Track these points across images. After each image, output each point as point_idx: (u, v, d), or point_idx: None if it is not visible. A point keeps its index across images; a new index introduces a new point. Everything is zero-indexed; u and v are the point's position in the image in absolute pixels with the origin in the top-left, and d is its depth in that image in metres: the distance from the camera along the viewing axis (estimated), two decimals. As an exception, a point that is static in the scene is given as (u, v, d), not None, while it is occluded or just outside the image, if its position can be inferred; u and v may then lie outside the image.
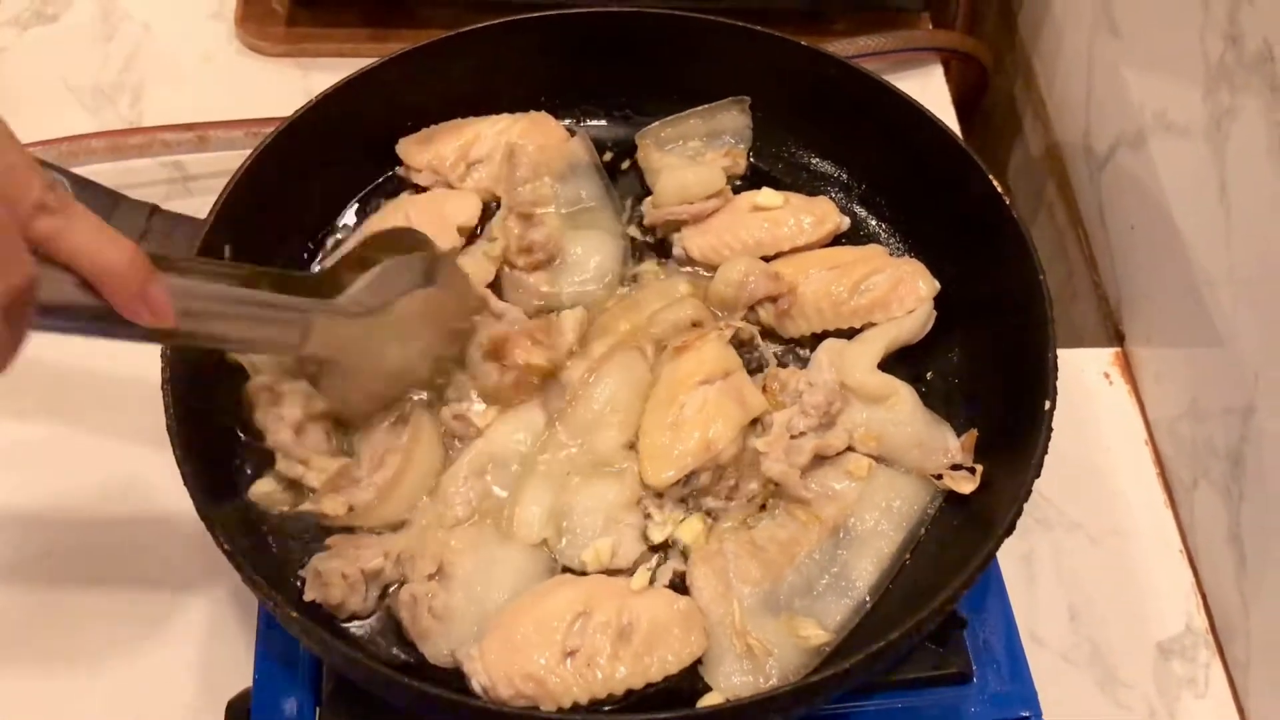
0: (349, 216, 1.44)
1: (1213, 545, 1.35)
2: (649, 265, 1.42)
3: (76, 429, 1.42)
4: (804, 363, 1.33)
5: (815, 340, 1.34)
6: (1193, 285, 1.37)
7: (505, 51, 1.46)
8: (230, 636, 1.28)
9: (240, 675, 1.20)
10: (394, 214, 1.40)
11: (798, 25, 1.74)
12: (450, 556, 1.17)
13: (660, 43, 1.47)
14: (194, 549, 1.29)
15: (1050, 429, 1.13)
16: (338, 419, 1.25)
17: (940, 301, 1.34)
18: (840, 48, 1.70)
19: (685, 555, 1.20)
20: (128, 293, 0.92)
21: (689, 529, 1.21)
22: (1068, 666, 1.32)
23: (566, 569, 1.19)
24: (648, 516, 1.22)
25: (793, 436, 1.23)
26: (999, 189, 1.29)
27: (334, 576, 1.13)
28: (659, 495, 1.22)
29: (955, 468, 1.24)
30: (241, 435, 1.24)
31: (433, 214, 1.40)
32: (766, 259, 1.38)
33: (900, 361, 1.32)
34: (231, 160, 1.43)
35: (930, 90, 1.77)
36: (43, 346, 1.41)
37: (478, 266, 1.36)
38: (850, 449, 1.25)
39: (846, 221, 1.42)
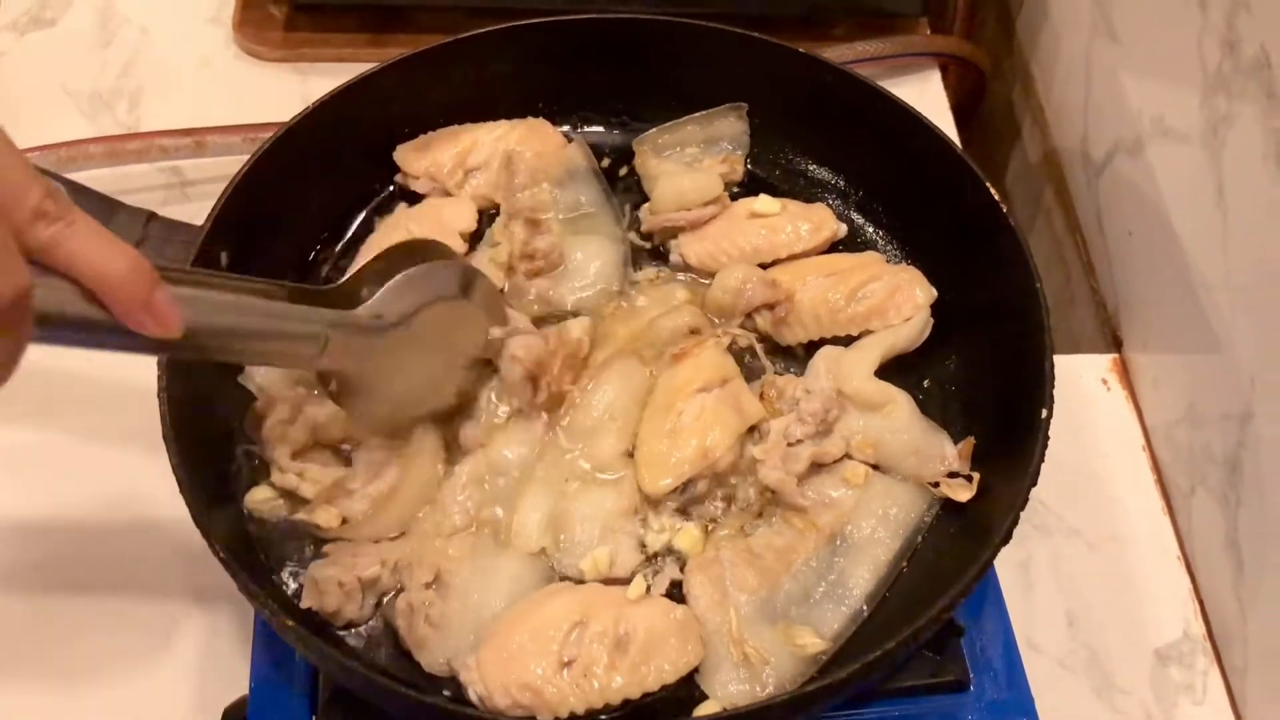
0: (347, 223, 1.44)
1: (1210, 551, 1.35)
2: (650, 271, 1.42)
3: (72, 435, 1.42)
4: (801, 370, 1.33)
5: (812, 347, 1.33)
6: (1190, 291, 1.36)
7: (503, 58, 1.46)
8: (227, 644, 1.28)
9: (237, 683, 1.20)
10: (393, 229, 1.40)
11: (795, 31, 1.74)
12: (447, 565, 1.17)
13: (658, 49, 1.47)
14: (190, 556, 1.28)
15: (1047, 437, 1.13)
16: (343, 443, 1.25)
17: (937, 309, 1.34)
18: (838, 53, 1.70)
19: (682, 563, 1.20)
20: (131, 302, 0.90)
21: (686, 537, 1.21)
22: (1065, 673, 1.32)
23: (564, 578, 1.19)
24: (645, 525, 1.22)
25: (790, 444, 1.23)
26: (996, 197, 1.29)
27: (330, 585, 1.13)
28: (656, 503, 1.22)
29: (952, 475, 1.23)
30: (243, 442, 1.25)
31: (433, 223, 1.40)
32: (764, 266, 1.38)
33: (897, 369, 1.31)
34: (229, 166, 1.43)
35: (928, 96, 1.77)
36: (38, 352, 1.43)
37: (485, 272, 1.35)
38: (847, 456, 1.25)
39: (844, 228, 1.42)
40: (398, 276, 1.11)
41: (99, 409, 1.43)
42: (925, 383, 1.33)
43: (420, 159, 1.45)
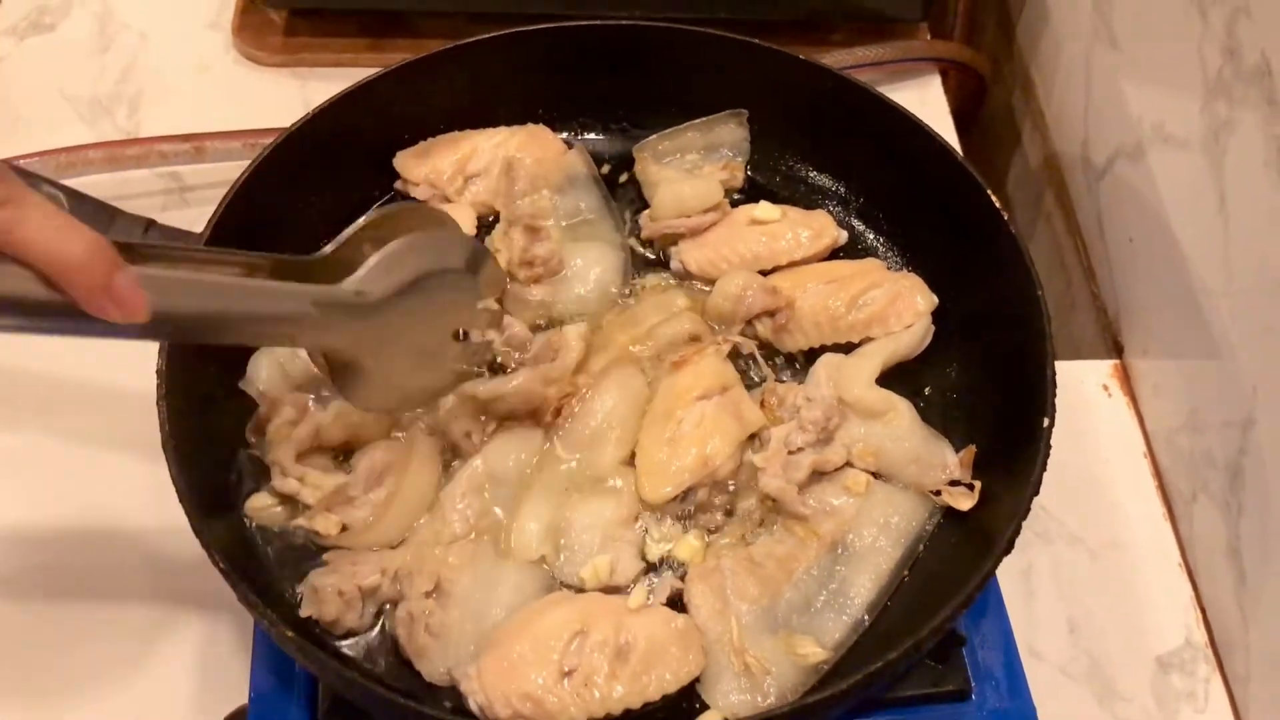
0: (347, 230, 1.42)
1: (1212, 559, 1.34)
2: (650, 278, 1.42)
3: (71, 441, 1.41)
4: (802, 377, 1.33)
5: (813, 355, 1.33)
6: (1191, 297, 1.36)
7: (503, 64, 1.46)
8: (226, 652, 1.28)
9: (237, 692, 1.20)
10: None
11: (795, 36, 1.74)
12: (447, 573, 1.16)
13: (658, 56, 1.47)
14: (190, 563, 1.26)
15: (1049, 446, 1.13)
16: (345, 447, 1.24)
17: (938, 316, 1.34)
18: (838, 58, 1.70)
19: (683, 572, 1.20)
20: (90, 286, 0.86)
21: (686, 546, 1.21)
22: (1066, 680, 1.31)
23: (564, 586, 1.19)
24: (645, 533, 1.22)
25: (790, 452, 1.22)
26: (997, 204, 1.29)
27: (330, 593, 1.13)
28: (656, 511, 1.22)
29: (954, 483, 1.23)
30: (244, 445, 1.25)
31: None
32: (764, 273, 1.38)
33: (898, 376, 1.31)
34: (229, 171, 1.42)
35: (928, 101, 1.77)
36: (36, 357, 1.44)
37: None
38: (848, 464, 1.24)
39: (844, 235, 1.42)
40: (384, 250, 1.07)
41: (99, 413, 1.43)
42: (926, 390, 1.33)
43: (420, 165, 1.45)
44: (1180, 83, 1.37)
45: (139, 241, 0.92)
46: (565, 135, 1.51)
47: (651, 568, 1.21)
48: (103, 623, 1.29)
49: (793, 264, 1.39)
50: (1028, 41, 1.86)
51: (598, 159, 1.48)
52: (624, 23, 1.46)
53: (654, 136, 1.49)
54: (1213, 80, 1.30)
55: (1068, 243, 1.72)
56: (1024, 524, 1.10)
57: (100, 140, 1.61)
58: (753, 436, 1.26)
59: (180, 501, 1.09)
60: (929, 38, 1.84)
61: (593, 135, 1.53)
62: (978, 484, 1.22)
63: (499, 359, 1.28)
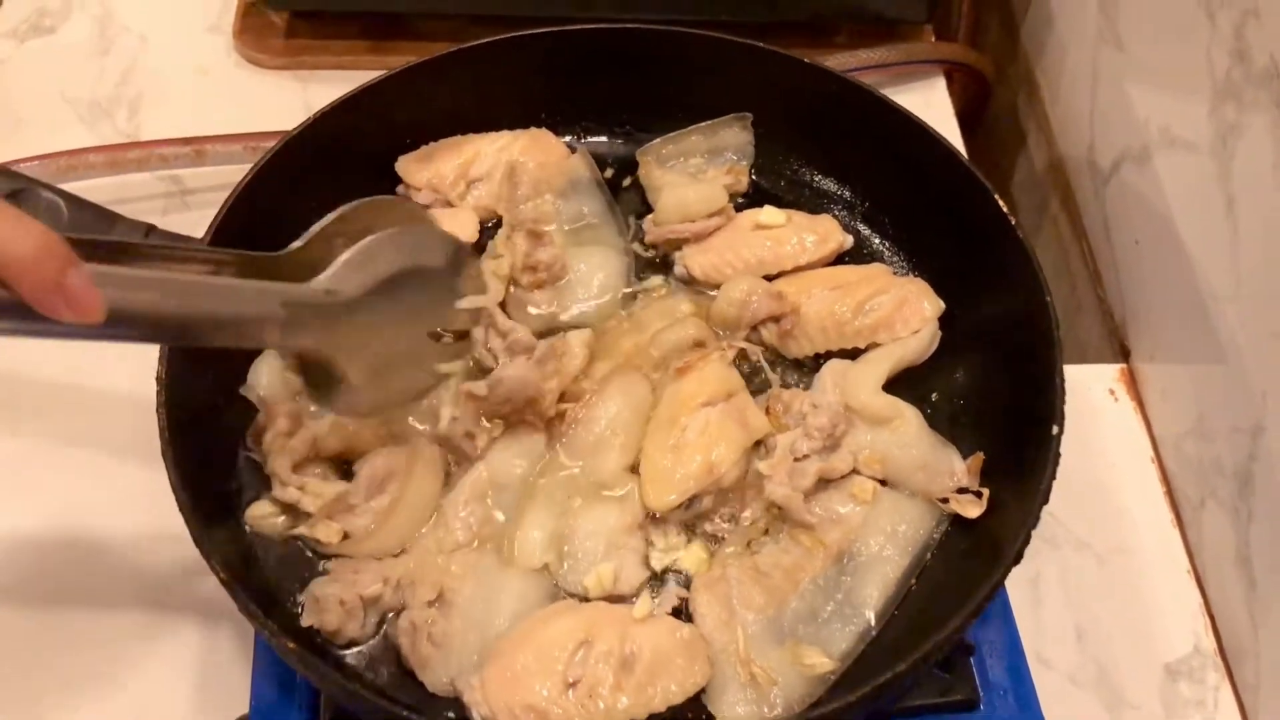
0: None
1: (1221, 566, 1.33)
2: (655, 281, 1.42)
3: (69, 445, 1.40)
4: (808, 384, 1.32)
5: (819, 361, 1.33)
6: (1199, 302, 1.35)
7: (506, 68, 1.45)
8: (227, 660, 1.27)
9: (238, 700, 1.19)
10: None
11: (798, 39, 1.73)
12: (450, 582, 1.16)
13: (661, 59, 1.46)
14: (190, 570, 1.27)
15: (1058, 454, 1.12)
16: (343, 456, 1.24)
17: (945, 322, 1.33)
18: (842, 61, 1.69)
19: (688, 581, 1.19)
20: (40, 285, 0.82)
21: (692, 556, 1.20)
22: (1074, 688, 1.30)
23: (568, 595, 1.18)
24: (649, 541, 1.21)
25: (796, 459, 1.22)
26: (1004, 208, 1.28)
27: (332, 602, 1.12)
28: (661, 519, 1.22)
29: (961, 491, 1.22)
30: (242, 452, 1.24)
31: None
32: (769, 278, 1.37)
33: (905, 383, 1.31)
34: (230, 175, 1.42)
35: (933, 104, 1.76)
36: (33, 361, 1.43)
37: (487, 285, 1.34)
38: (855, 472, 1.24)
39: (850, 240, 1.42)
40: (354, 248, 1.04)
41: (97, 418, 1.42)
42: (933, 396, 1.32)
43: (422, 170, 1.44)
44: (1188, 86, 1.36)
45: (98, 238, 0.89)
46: (568, 139, 1.50)
47: (656, 576, 1.20)
48: (101, 630, 1.28)
49: (798, 269, 1.38)
50: (1032, 43, 1.85)
51: (601, 163, 1.47)
52: (627, 26, 1.46)
53: (657, 140, 1.48)
54: (1221, 83, 1.29)
55: (1073, 246, 1.71)
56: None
57: (100, 143, 1.60)
58: (758, 444, 1.25)
59: (180, 510, 1.08)
60: (933, 40, 1.83)
61: (596, 139, 1.52)
62: (986, 491, 1.21)
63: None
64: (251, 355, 1.27)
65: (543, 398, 1.24)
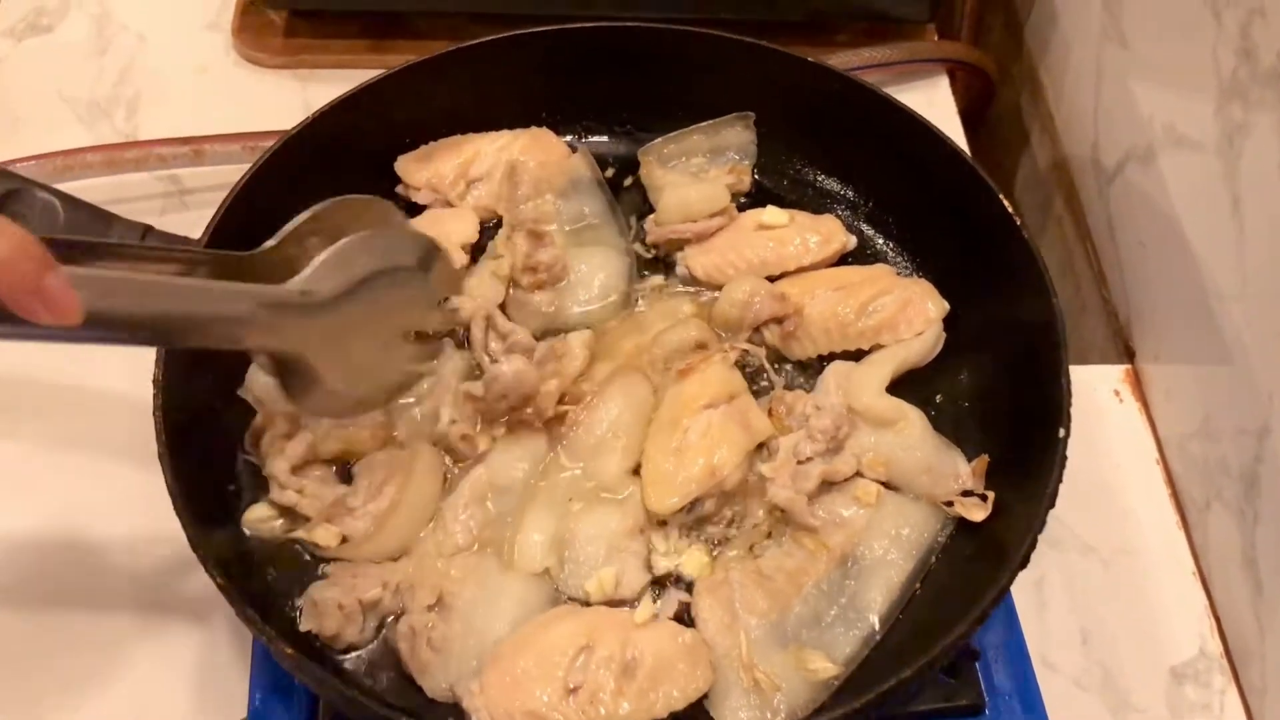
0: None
1: (1227, 568, 1.33)
2: (655, 280, 1.41)
3: (67, 447, 1.40)
4: (811, 386, 1.31)
5: (822, 362, 1.32)
6: (1204, 302, 1.34)
7: (506, 67, 1.45)
8: (226, 662, 1.26)
9: (236, 702, 1.19)
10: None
11: (799, 37, 1.73)
12: (450, 586, 1.15)
13: (662, 58, 1.45)
14: (188, 572, 1.26)
15: (1065, 457, 1.12)
16: (341, 460, 1.23)
17: (950, 323, 1.33)
18: (844, 59, 1.68)
19: (690, 585, 1.19)
20: (18, 287, 0.82)
21: (694, 559, 1.20)
22: (1079, 692, 1.29)
23: (569, 599, 1.17)
24: (651, 545, 1.21)
25: (799, 462, 1.21)
26: (1010, 209, 1.28)
27: (330, 607, 1.12)
28: (663, 523, 1.21)
29: (966, 494, 1.22)
30: (240, 454, 1.23)
31: (434, 234, 1.35)
32: (772, 279, 1.36)
33: (909, 384, 1.30)
34: (228, 174, 1.42)
35: (936, 102, 1.75)
36: (32, 364, 1.42)
37: (487, 286, 1.35)
38: (858, 475, 1.23)
39: (853, 240, 1.41)
40: (331, 249, 1.04)
41: (96, 419, 1.41)
42: (938, 398, 1.31)
43: (422, 170, 1.44)
44: (1193, 85, 1.35)
45: (73, 239, 0.89)
46: (569, 138, 1.50)
47: (658, 580, 1.20)
48: (100, 632, 1.28)
49: (801, 270, 1.38)
50: (1036, 42, 1.85)
51: (602, 162, 1.46)
52: (628, 24, 1.45)
53: (659, 140, 1.48)
54: (1227, 82, 1.28)
55: (1077, 246, 1.70)
56: (1036, 534, 1.09)
57: (98, 143, 1.59)
58: (761, 446, 1.24)
59: (177, 515, 1.07)
60: (936, 38, 1.83)
61: (597, 138, 1.52)
62: (991, 495, 1.21)
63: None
64: (249, 357, 1.25)
65: (541, 396, 1.23)
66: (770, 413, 1.27)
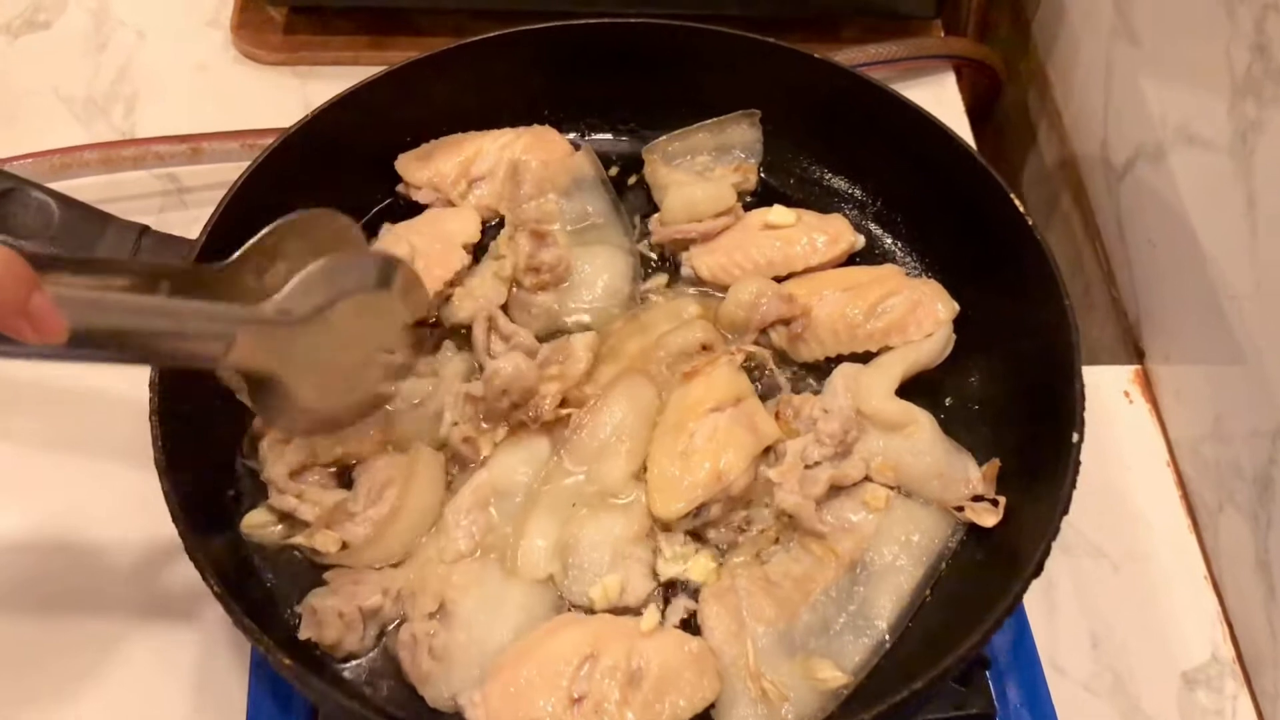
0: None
1: (1239, 572, 1.32)
2: (659, 280, 1.40)
3: (68, 449, 1.39)
4: (818, 388, 1.30)
5: (830, 365, 1.31)
6: (1215, 302, 1.34)
7: (508, 64, 1.44)
8: (224, 665, 1.25)
9: (235, 706, 1.19)
10: (395, 243, 1.36)
11: (805, 34, 1.71)
12: (452, 593, 1.14)
13: (667, 55, 1.44)
14: (187, 575, 1.23)
15: (1078, 463, 1.11)
16: (341, 464, 1.23)
17: (960, 324, 1.32)
18: (850, 56, 1.67)
19: (696, 592, 1.18)
20: (5, 307, 0.83)
21: (700, 566, 1.19)
22: (1090, 697, 1.28)
23: (573, 606, 1.16)
24: (657, 550, 1.20)
25: (807, 466, 1.20)
26: (1021, 209, 1.27)
27: (330, 615, 1.11)
28: (668, 528, 1.20)
29: (977, 499, 1.21)
30: (239, 458, 1.23)
31: (436, 234, 1.37)
32: (778, 279, 1.36)
33: (918, 387, 1.29)
34: (228, 172, 1.41)
35: (943, 99, 1.74)
36: (32, 365, 1.41)
37: (489, 287, 1.34)
38: (867, 479, 1.22)
39: (861, 240, 1.40)
40: (310, 268, 1.06)
41: (94, 421, 1.40)
42: (948, 401, 1.30)
43: (422, 168, 1.43)
44: (1206, 82, 1.34)
45: (54, 255, 0.92)
46: (572, 136, 1.49)
47: (663, 587, 1.19)
48: (97, 633, 1.27)
49: (808, 270, 1.37)
50: (1043, 38, 1.84)
51: (605, 161, 1.45)
52: (631, 20, 1.44)
53: (663, 138, 1.47)
54: (1241, 79, 1.27)
55: (1086, 245, 1.69)
56: (1046, 538, 1.09)
57: (95, 141, 1.58)
58: (768, 450, 1.23)
59: (174, 522, 1.07)
60: (942, 35, 1.82)
61: (600, 136, 1.51)
62: (1002, 500, 1.20)
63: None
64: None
65: (540, 398, 1.23)
66: (777, 416, 1.26)
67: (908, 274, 1.38)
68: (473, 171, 1.43)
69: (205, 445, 1.20)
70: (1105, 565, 1.36)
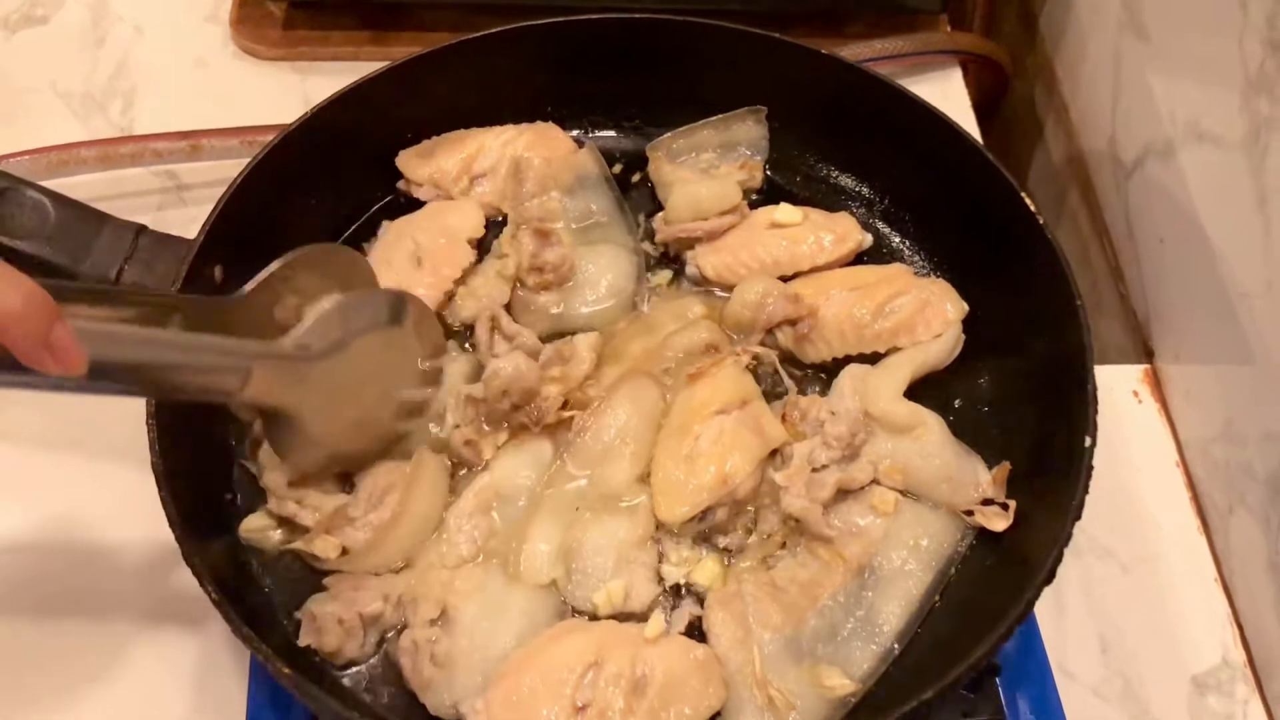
0: (346, 233, 1.41)
1: (1250, 574, 1.31)
2: (663, 274, 1.39)
3: (68, 450, 1.38)
4: (825, 390, 1.30)
5: (837, 366, 1.30)
6: (1226, 300, 1.33)
7: (509, 60, 1.43)
8: (224, 666, 1.24)
9: (235, 708, 1.19)
10: (399, 239, 1.36)
11: (810, 29, 1.70)
12: (454, 599, 1.14)
13: (671, 50, 1.44)
14: (186, 578, 1.23)
15: (1091, 468, 1.10)
16: (341, 473, 1.22)
17: (969, 324, 1.31)
18: (855, 51, 1.66)
19: (701, 597, 1.17)
20: (28, 339, 0.85)
21: (705, 570, 1.18)
22: (1099, 702, 1.27)
23: (576, 612, 1.16)
24: (661, 555, 1.19)
25: (814, 469, 1.20)
26: (1032, 207, 1.26)
27: (329, 621, 1.10)
28: (673, 532, 1.19)
29: (987, 503, 1.20)
30: (238, 461, 1.22)
31: (439, 229, 1.36)
32: (785, 279, 1.35)
33: (927, 389, 1.29)
34: (227, 169, 1.40)
35: (950, 95, 1.73)
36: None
37: (492, 286, 1.33)
38: (875, 482, 1.22)
39: (869, 239, 1.40)
40: (327, 306, 1.09)
41: (94, 422, 1.38)
42: (957, 403, 1.30)
43: (424, 164, 1.42)
44: (1217, 78, 1.33)
45: (76, 286, 0.95)
46: (575, 133, 1.48)
47: (668, 592, 1.18)
48: (98, 636, 1.26)
49: (815, 269, 1.36)
50: (1050, 32, 1.82)
51: (609, 158, 1.45)
52: (635, 16, 1.43)
53: (668, 135, 1.46)
54: (1254, 75, 1.26)
55: (1094, 243, 1.68)
56: (1054, 541, 1.08)
57: (93, 138, 1.57)
58: (774, 453, 1.23)
59: (170, 527, 1.06)
60: (949, 29, 1.80)
61: (604, 133, 1.50)
62: (1012, 504, 1.19)
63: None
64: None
65: (542, 399, 1.22)
66: (784, 418, 1.25)
67: (916, 273, 1.37)
68: (474, 168, 1.42)
69: (203, 448, 1.19)
70: (1114, 567, 1.35)
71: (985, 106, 1.85)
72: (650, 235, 1.41)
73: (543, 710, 1.04)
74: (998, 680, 1.15)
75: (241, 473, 1.22)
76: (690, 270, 1.38)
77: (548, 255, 1.32)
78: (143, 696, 1.23)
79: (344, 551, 1.15)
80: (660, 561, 1.19)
